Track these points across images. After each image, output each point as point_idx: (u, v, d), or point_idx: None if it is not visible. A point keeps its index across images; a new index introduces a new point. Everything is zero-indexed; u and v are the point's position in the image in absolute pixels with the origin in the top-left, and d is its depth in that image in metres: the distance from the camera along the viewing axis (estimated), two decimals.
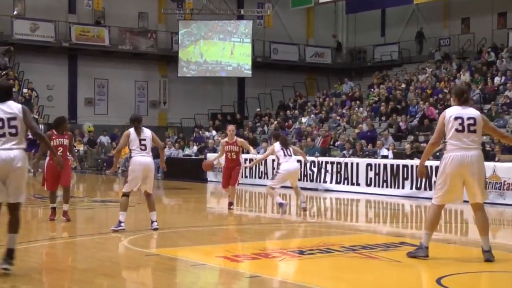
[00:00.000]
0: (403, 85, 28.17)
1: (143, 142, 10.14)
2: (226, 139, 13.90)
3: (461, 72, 27.01)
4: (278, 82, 35.19)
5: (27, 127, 6.89)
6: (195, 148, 27.56)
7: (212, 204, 17.93)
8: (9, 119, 6.80)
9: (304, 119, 28.41)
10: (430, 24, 34.56)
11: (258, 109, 32.89)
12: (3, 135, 6.77)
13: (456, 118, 7.61)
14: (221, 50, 33.27)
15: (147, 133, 10.25)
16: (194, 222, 12.56)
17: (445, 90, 25.50)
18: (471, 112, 7.73)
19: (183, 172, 25.21)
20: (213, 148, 26.40)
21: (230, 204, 13.86)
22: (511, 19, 31.22)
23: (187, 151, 27.56)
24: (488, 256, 7.63)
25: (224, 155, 13.87)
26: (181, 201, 17.84)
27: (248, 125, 30.46)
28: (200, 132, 30.00)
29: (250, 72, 33.39)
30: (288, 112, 30.97)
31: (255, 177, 22.44)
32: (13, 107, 6.88)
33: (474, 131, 7.61)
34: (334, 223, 12.88)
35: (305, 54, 36.75)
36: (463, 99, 7.79)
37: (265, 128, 29.61)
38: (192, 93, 34.14)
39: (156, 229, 10.22)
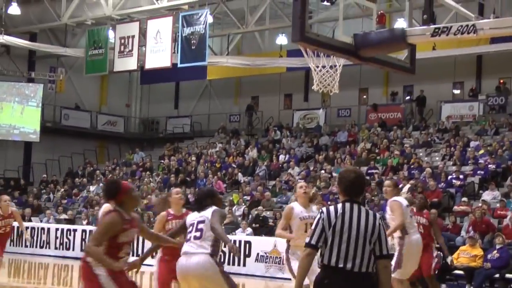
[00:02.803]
0: (193, 158, 28.67)
1: None
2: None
3: (249, 148, 28.07)
4: (67, 149, 34.25)
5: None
6: None
7: None
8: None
9: (92, 188, 27.82)
10: (222, 99, 35.75)
11: (44, 175, 31.72)
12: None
13: None
14: (10, 112, 31.88)
15: None
16: None
17: (233, 165, 26.31)
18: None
19: None
20: None
21: None
22: (296, 101, 33.13)
23: None
24: None
25: None
26: None
27: (33, 192, 29.20)
28: None
29: (38, 137, 32.25)
30: (76, 179, 30.17)
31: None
32: None
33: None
34: None
35: (97, 121, 36.29)
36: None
37: (51, 195, 28.57)
38: None
39: None
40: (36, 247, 21.55)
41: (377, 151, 24.17)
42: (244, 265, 17.20)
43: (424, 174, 20.59)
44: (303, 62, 15.67)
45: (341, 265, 4.80)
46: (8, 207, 11.79)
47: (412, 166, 21.78)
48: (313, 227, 4.97)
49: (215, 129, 33.37)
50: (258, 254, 17.05)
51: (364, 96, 31.32)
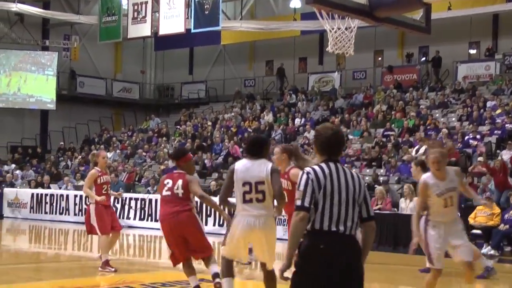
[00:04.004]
0: (209, 123, 28.75)
1: None
2: None
3: (264, 112, 28.09)
4: (84, 116, 34.44)
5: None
6: None
7: (8, 242, 17.08)
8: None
9: (109, 154, 28.02)
10: (236, 64, 35.70)
11: (62, 143, 31.97)
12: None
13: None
14: (26, 81, 32.02)
15: None
16: None
17: (249, 130, 26.37)
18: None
19: None
20: (11, 182, 25.23)
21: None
22: (311, 64, 33.04)
23: None
24: None
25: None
26: None
27: (50, 159, 29.47)
28: None
29: (54, 105, 32.42)
30: (93, 146, 30.37)
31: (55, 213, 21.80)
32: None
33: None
34: (136, 260, 12.77)
35: (112, 88, 36.39)
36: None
37: (69, 162, 28.81)
38: None
39: None
40: (55, 213, 21.81)
41: (392, 112, 24.11)
42: None
43: (440, 135, 20.56)
44: (317, 25, 15.62)
45: (334, 229, 4.48)
46: (105, 164, 10.91)
47: (428, 128, 21.75)
48: (301, 188, 4.52)
49: (230, 94, 33.40)
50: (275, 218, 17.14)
51: (379, 58, 31.16)
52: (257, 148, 6.84)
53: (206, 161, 24.16)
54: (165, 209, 7.73)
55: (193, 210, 7.79)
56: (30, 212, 22.53)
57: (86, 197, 13.27)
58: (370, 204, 4.69)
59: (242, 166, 6.73)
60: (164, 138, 28.42)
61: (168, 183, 7.80)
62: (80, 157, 28.49)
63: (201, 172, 23.34)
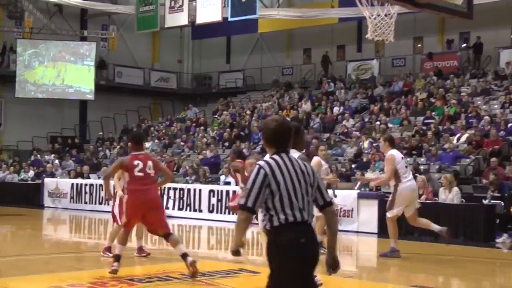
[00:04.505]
0: (248, 112, 28.75)
1: None
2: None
3: (302, 101, 27.99)
4: (122, 106, 34.74)
5: None
6: (31, 172, 26.56)
7: (49, 231, 17.31)
8: None
9: (147, 144, 28.20)
10: (274, 53, 35.61)
11: (101, 133, 32.29)
12: None
13: None
14: (64, 72, 32.37)
15: None
16: (28, 250, 12.05)
17: (287, 118, 26.28)
18: None
19: (17, 198, 24.23)
20: (51, 172, 25.59)
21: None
22: (349, 52, 32.79)
23: (23, 176, 26.49)
24: None
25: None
26: (14, 228, 17.08)
27: (89, 149, 29.78)
28: (38, 155, 28.98)
29: (93, 95, 32.72)
30: None
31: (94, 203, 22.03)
32: None
33: None
34: (175, 250, 12.80)
35: (150, 78, 36.62)
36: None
37: (107, 152, 29.08)
38: (31, 115, 32.89)
39: None
40: (95, 203, 22.04)
41: (433, 100, 23.81)
42: None
43: (482, 123, 20.24)
44: (356, 12, 15.50)
45: (300, 220, 4.44)
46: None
47: (469, 115, 21.43)
48: (249, 185, 4.45)
49: (268, 82, 33.33)
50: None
51: (419, 45, 30.80)
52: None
53: (244, 150, 24.14)
54: (138, 186, 8.69)
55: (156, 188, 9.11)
56: (70, 202, 22.81)
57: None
58: (324, 190, 4.69)
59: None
60: (202, 128, 28.50)
61: (138, 164, 8.77)
62: (118, 147, 28.72)
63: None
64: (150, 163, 8.89)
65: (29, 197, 24.24)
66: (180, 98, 36.93)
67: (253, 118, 27.51)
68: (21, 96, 31.82)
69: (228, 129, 26.93)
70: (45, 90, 32.26)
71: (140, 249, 11.01)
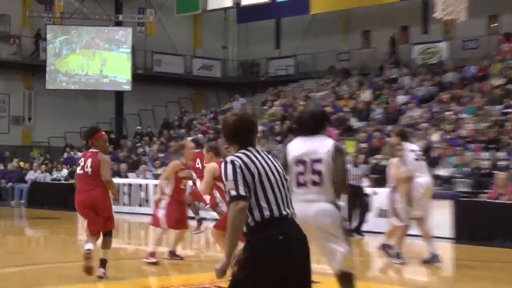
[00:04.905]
0: (301, 102, 28.53)
1: None
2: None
3: (362, 89, 27.69)
4: (161, 97, 34.90)
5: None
6: (65, 171, 26.81)
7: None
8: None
9: (190, 139, 28.20)
10: (328, 36, 35.32)
11: (139, 127, 32.45)
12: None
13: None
14: (100, 60, 32.58)
15: None
16: (62, 257, 12.09)
17: (345, 109, 26.02)
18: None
19: (50, 199, 24.47)
20: None
21: None
22: (413, 33, 32.36)
23: (56, 175, 26.77)
24: None
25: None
26: (48, 233, 17.20)
27: (127, 145, 29.95)
28: (72, 152, 29.24)
29: (130, 86, 32.89)
30: (172, 130, 30.70)
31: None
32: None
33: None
34: None
35: (191, 66, 36.69)
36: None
37: (146, 148, 29.20)
38: (63, 109, 33.27)
39: None
40: (134, 205, 22.11)
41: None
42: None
43: None
44: None
45: (285, 213, 4.47)
46: (191, 156, 12.05)
47: None
48: (230, 177, 4.44)
49: (323, 69, 33.08)
50: (379, 208, 16.79)
51: (495, 24, 30.24)
52: (314, 122, 6.56)
53: None
54: (78, 185, 9.45)
55: (103, 187, 9.44)
56: None
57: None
58: None
59: (296, 144, 6.46)
60: None
61: (81, 161, 9.50)
62: (159, 142, 28.82)
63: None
64: (89, 160, 9.69)
65: (62, 199, 24.41)
66: (225, 88, 36.92)
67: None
68: (52, 88, 32.17)
69: (279, 122, 26.78)
70: (78, 81, 32.54)
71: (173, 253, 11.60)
